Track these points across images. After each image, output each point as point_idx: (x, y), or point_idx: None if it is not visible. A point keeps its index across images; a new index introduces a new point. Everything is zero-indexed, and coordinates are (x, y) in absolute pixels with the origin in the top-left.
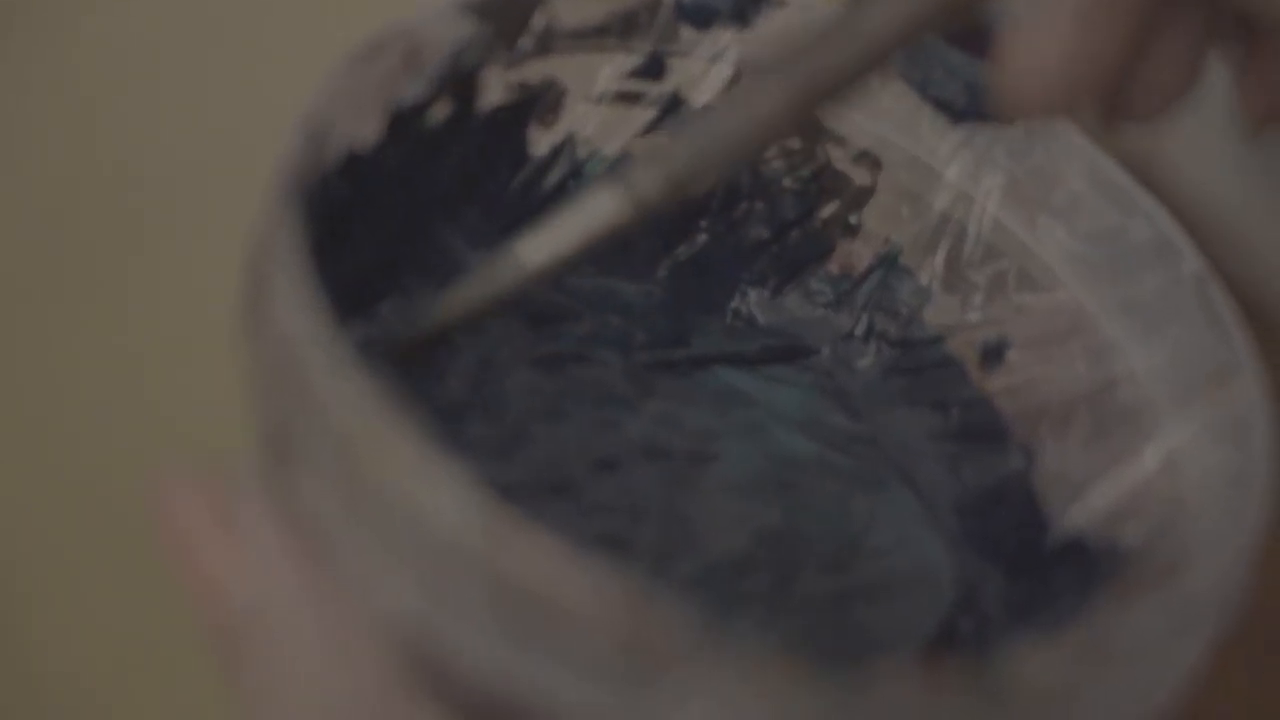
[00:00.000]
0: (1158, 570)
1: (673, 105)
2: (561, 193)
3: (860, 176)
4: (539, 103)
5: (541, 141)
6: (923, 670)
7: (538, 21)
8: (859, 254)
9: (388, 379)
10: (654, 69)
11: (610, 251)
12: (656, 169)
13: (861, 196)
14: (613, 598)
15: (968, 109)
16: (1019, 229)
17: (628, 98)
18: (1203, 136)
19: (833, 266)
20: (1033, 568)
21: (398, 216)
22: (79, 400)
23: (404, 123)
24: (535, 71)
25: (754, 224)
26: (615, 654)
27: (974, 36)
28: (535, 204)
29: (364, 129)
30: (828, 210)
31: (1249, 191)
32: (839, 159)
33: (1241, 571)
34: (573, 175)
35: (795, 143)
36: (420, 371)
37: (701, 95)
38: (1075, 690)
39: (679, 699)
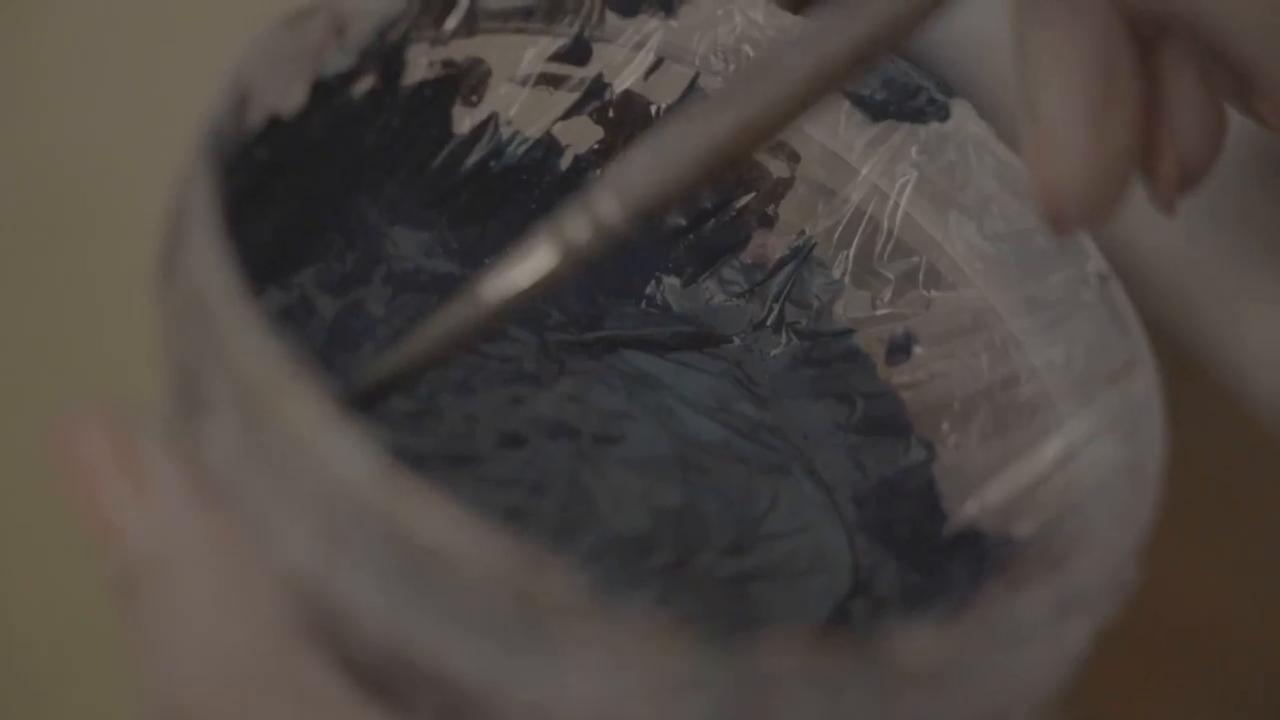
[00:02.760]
0: (1048, 560)
1: (596, 89)
2: (483, 171)
3: (778, 169)
4: (464, 81)
5: (465, 120)
6: (805, 641)
7: (464, 0)
8: (773, 245)
9: (297, 341)
10: (579, 53)
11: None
12: (616, 199)
13: (778, 189)
14: (503, 555)
15: (884, 106)
16: (930, 226)
17: (552, 80)
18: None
19: (747, 257)
20: (928, 557)
21: (318, 185)
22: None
23: (328, 92)
24: (461, 50)
25: (671, 212)
26: (504, 611)
27: None
28: (456, 181)
29: (288, 95)
30: (744, 201)
31: (1192, 240)
32: (754, 155)
33: (1130, 561)
34: (494, 155)
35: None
36: (336, 345)
37: (624, 81)
38: (957, 670)
39: (566, 656)
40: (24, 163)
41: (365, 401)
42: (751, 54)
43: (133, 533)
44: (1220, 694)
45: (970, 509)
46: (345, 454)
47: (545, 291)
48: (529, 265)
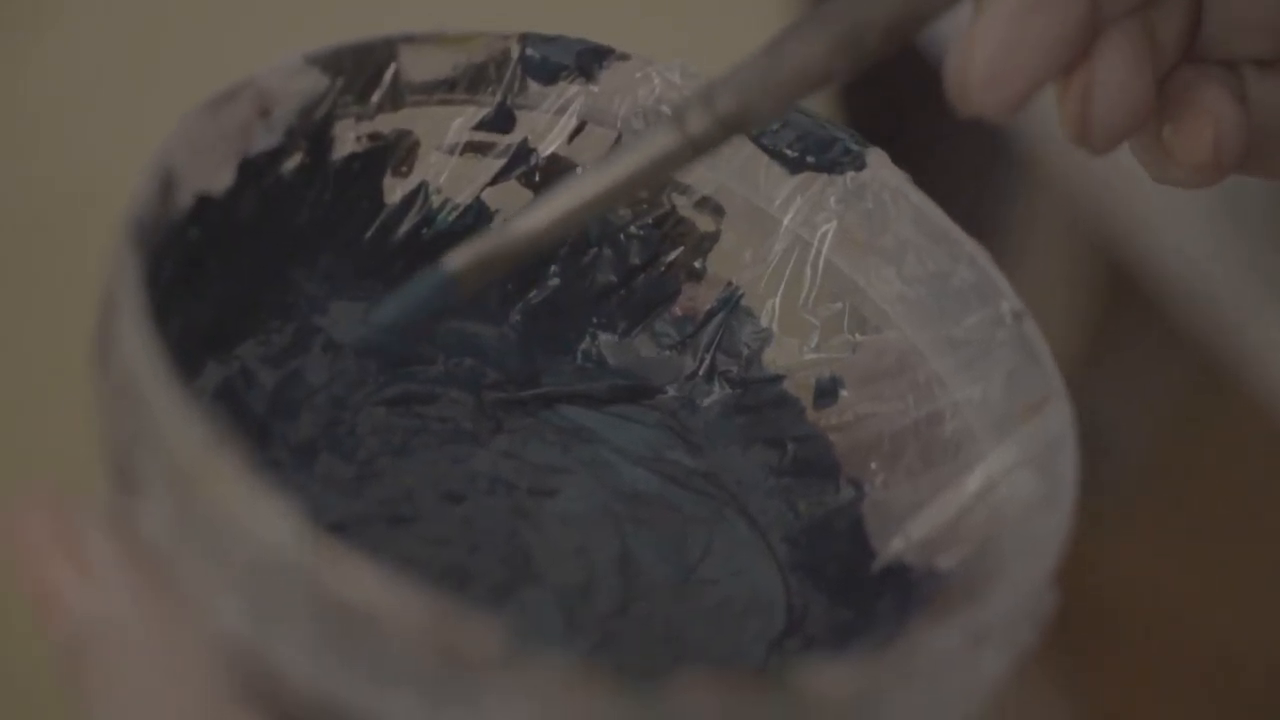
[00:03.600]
0: (969, 591)
1: (522, 155)
2: (415, 239)
3: (704, 223)
4: (392, 153)
5: (396, 190)
6: (721, 679)
7: (388, 75)
8: (703, 297)
9: (225, 417)
10: (503, 121)
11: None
12: (707, 111)
13: (705, 242)
14: (425, 609)
15: (802, 159)
16: (852, 272)
17: (479, 148)
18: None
19: (678, 309)
20: (858, 593)
21: (253, 260)
22: None
23: (256, 171)
24: (388, 123)
25: (603, 269)
26: (430, 664)
27: None
28: (390, 250)
29: (216, 177)
30: (673, 256)
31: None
32: (683, 206)
33: (1047, 588)
34: (426, 223)
35: (641, 191)
36: (276, 414)
37: (549, 145)
38: (875, 703)
39: (491, 707)
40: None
41: (469, 280)
42: (669, 114)
43: (74, 601)
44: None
45: (896, 544)
46: (269, 521)
47: (661, 173)
48: (651, 145)
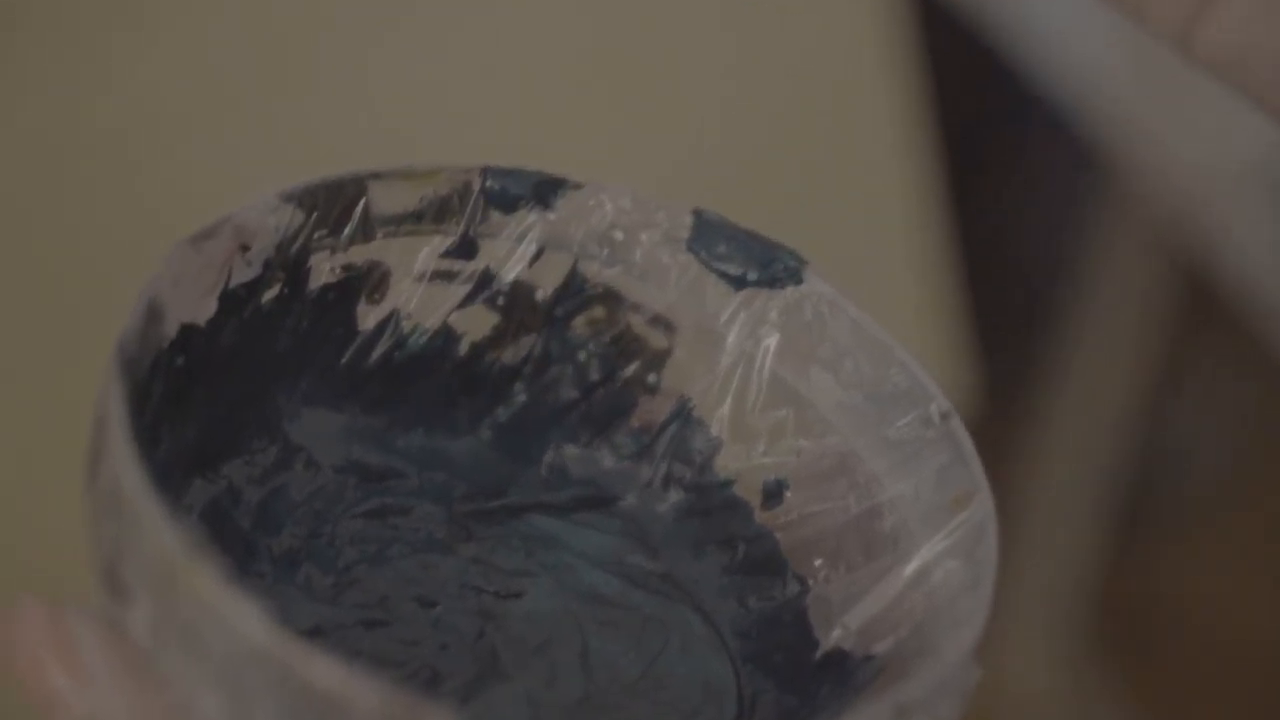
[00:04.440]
0: (901, 670)
1: (486, 280)
2: (388, 362)
3: (656, 340)
4: (365, 282)
5: (369, 316)
6: None
7: (359, 210)
8: (657, 410)
9: (212, 532)
10: (467, 250)
11: (436, 416)
12: None
13: (658, 358)
14: (385, 698)
15: (744, 276)
16: (795, 381)
17: (445, 275)
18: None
19: (635, 422)
20: (803, 680)
21: (237, 384)
22: None
23: (237, 301)
24: (360, 254)
25: (564, 386)
26: None
27: None
28: (365, 373)
29: (200, 307)
30: (629, 371)
31: None
32: (637, 325)
33: (972, 663)
34: (398, 347)
35: (599, 312)
36: (261, 529)
37: (511, 271)
38: None
39: None
40: None
41: None
42: (621, 239)
43: (73, 700)
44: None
45: (837, 633)
46: (243, 619)
47: None
48: None
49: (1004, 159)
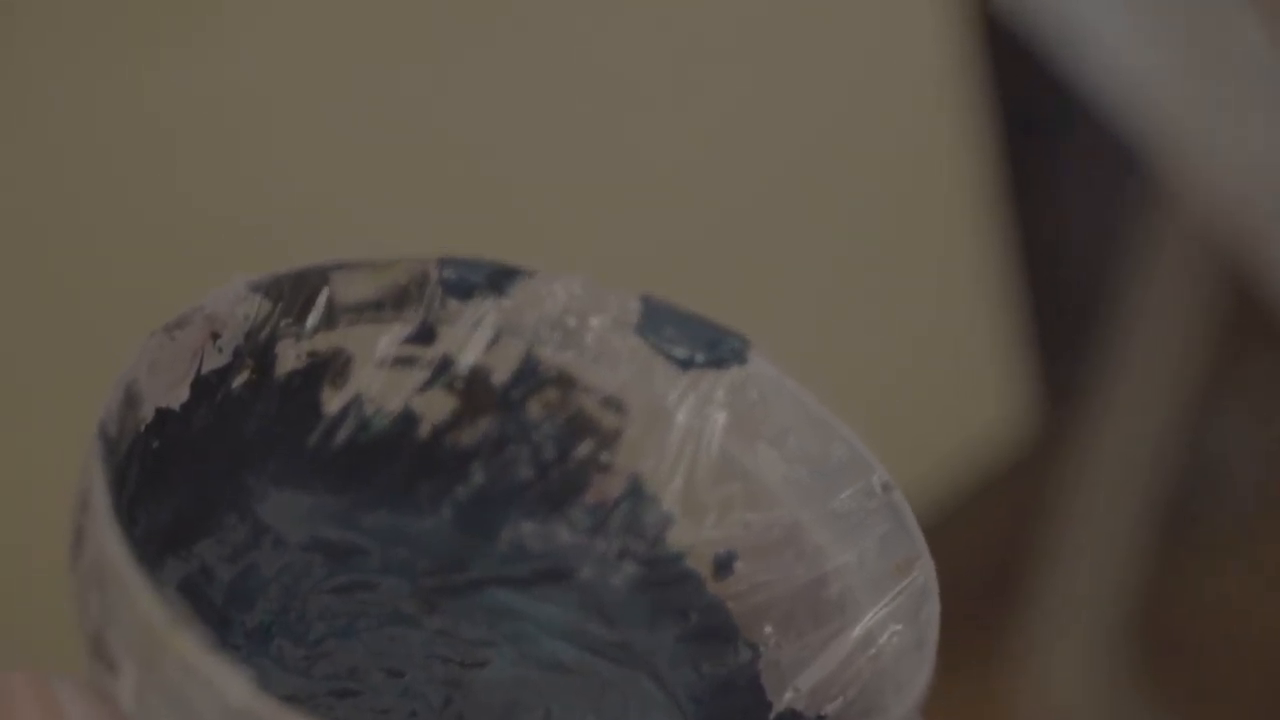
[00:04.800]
0: None
1: (445, 365)
2: (352, 444)
3: (608, 420)
4: (329, 368)
5: (333, 400)
6: None
7: (322, 299)
8: (611, 486)
9: (183, 603)
10: (425, 336)
11: (398, 496)
12: None
13: (610, 437)
14: None
15: (691, 358)
16: (742, 457)
17: (405, 361)
18: None
19: (589, 498)
20: None
21: (208, 467)
22: None
23: (208, 387)
24: (324, 342)
25: (521, 466)
26: None
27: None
28: (330, 455)
29: (174, 392)
30: (582, 450)
31: None
32: (589, 406)
33: (916, 717)
34: (361, 430)
35: (552, 394)
36: (234, 605)
37: (468, 355)
38: None
39: None
40: None
41: None
42: (573, 324)
43: None
44: None
45: (789, 696)
46: (229, 682)
47: None
48: None
49: (1049, 170)
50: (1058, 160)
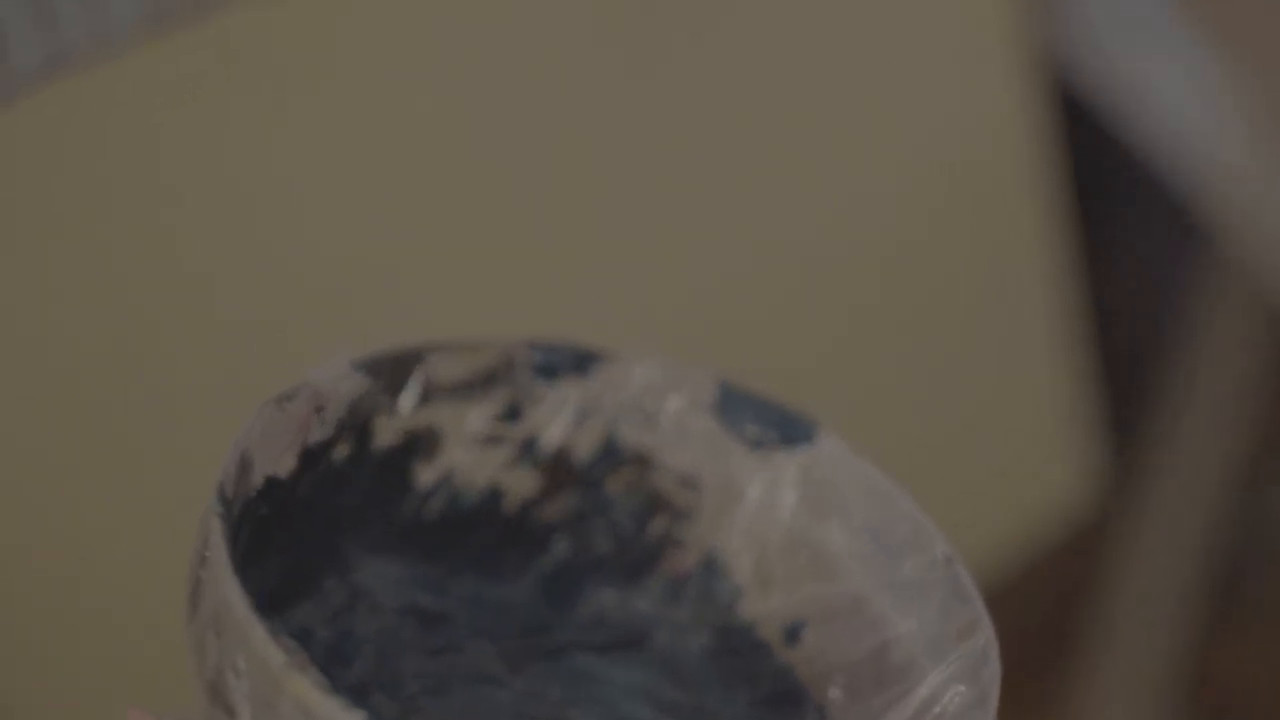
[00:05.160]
0: None
1: (529, 444)
2: (443, 517)
3: (683, 497)
4: (421, 444)
5: (426, 473)
6: None
7: (418, 377)
8: (686, 559)
9: (299, 649)
10: (512, 414)
11: (486, 565)
12: None
13: (685, 513)
14: None
15: (764, 438)
16: (810, 531)
17: (493, 439)
18: None
19: (665, 570)
20: None
21: (310, 533)
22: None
23: (313, 458)
24: (418, 419)
25: (600, 539)
26: None
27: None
28: (422, 526)
29: (281, 461)
30: (658, 525)
31: None
32: (665, 483)
33: None
34: (451, 503)
35: (631, 473)
36: (332, 664)
37: (553, 434)
38: None
39: None
40: None
41: None
42: (651, 406)
43: None
44: None
45: None
46: (339, 716)
47: None
48: None
49: (1110, 237)
50: (1118, 226)
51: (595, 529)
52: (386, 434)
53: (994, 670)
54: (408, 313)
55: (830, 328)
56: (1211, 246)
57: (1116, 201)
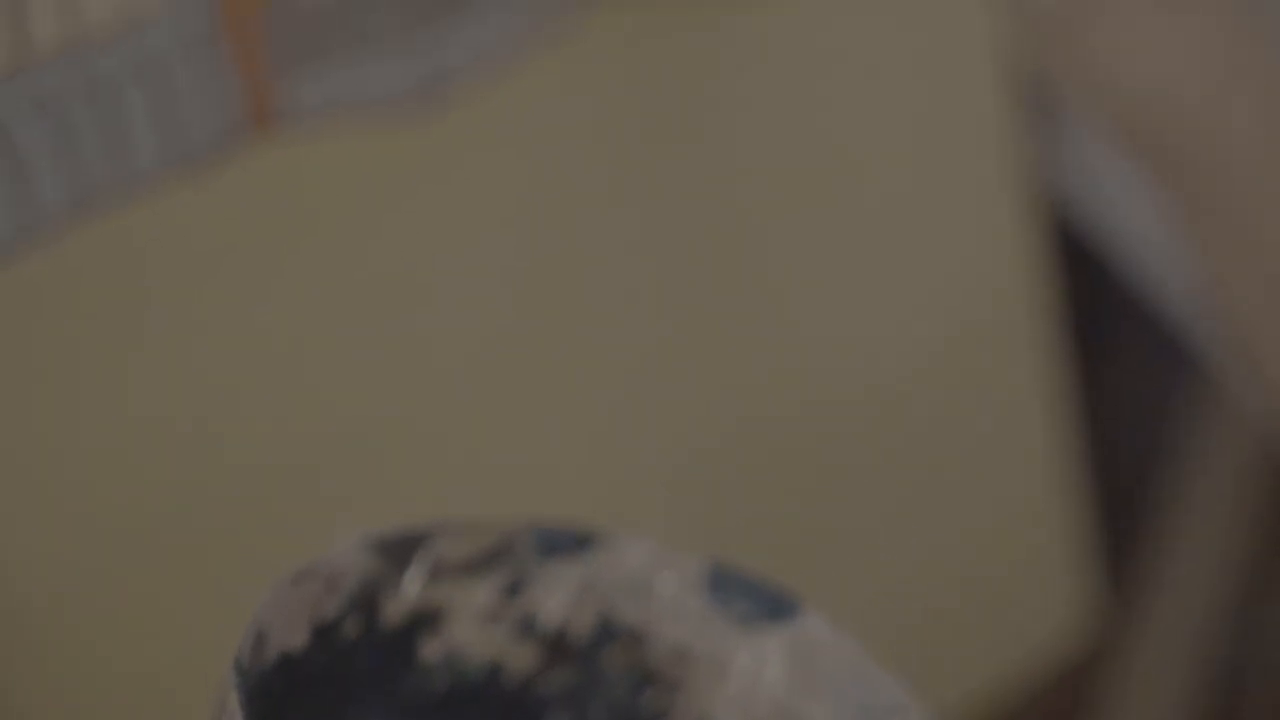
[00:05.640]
0: None
1: (530, 620)
2: (448, 689)
3: (674, 670)
4: (428, 620)
5: (431, 647)
6: None
7: (425, 556)
8: None
9: None
10: (513, 591)
11: None
12: None
13: (676, 685)
14: None
15: (750, 614)
16: (795, 703)
17: (496, 615)
18: None
19: None
20: None
21: (320, 705)
22: None
23: (325, 633)
24: (425, 597)
25: (597, 710)
26: None
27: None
28: (428, 697)
29: (294, 636)
30: (652, 697)
31: None
32: (658, 657)
33: None
34: (455, 676)
35: (625, 648)
36: None
37: (553, 611)
38: None
39: None
40: None
41: None
42: (645, 585)
43: None
44: None
45: None
46: None
47: None
48: None
49: (1096, 347)
50: (1113, 360)
51: (592, 702)
52: (394, 611)
53: None
54: (410, 475)
55: (827, 460)
56: (1206, 379)
57: (1112, 335)
